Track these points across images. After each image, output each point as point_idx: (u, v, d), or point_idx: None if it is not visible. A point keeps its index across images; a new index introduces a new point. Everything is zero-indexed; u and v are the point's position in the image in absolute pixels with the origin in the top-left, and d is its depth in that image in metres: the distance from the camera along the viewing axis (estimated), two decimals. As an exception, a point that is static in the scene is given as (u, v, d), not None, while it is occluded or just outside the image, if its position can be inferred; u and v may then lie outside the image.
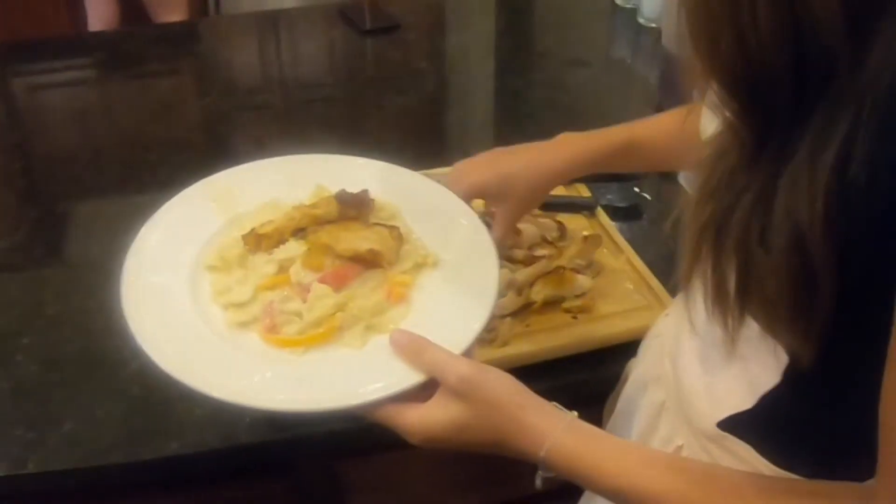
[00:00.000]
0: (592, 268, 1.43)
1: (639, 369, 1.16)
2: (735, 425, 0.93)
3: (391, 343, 1.01)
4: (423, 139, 1.96)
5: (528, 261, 1.39)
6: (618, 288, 1.42)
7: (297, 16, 2.64)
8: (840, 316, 0.74)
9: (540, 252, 1.43)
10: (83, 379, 1.32)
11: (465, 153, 1.77)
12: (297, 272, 1.12)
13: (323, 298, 1.07)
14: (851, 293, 0.73)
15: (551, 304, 1.36)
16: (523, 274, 1.36)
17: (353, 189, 1.20)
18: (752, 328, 0.81)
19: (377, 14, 2.39)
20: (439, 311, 1.08)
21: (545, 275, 1.36)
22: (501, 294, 1.33)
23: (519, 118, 2.03)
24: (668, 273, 1.42)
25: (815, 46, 0.68)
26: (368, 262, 1.12)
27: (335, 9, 2.47)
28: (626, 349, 1.26)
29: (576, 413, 0.94)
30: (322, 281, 1.10)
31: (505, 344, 1.29)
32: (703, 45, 0.75)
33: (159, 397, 1.25)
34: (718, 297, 0.81)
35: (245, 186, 1.22)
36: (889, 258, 0.69)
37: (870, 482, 0.77)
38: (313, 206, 1.19)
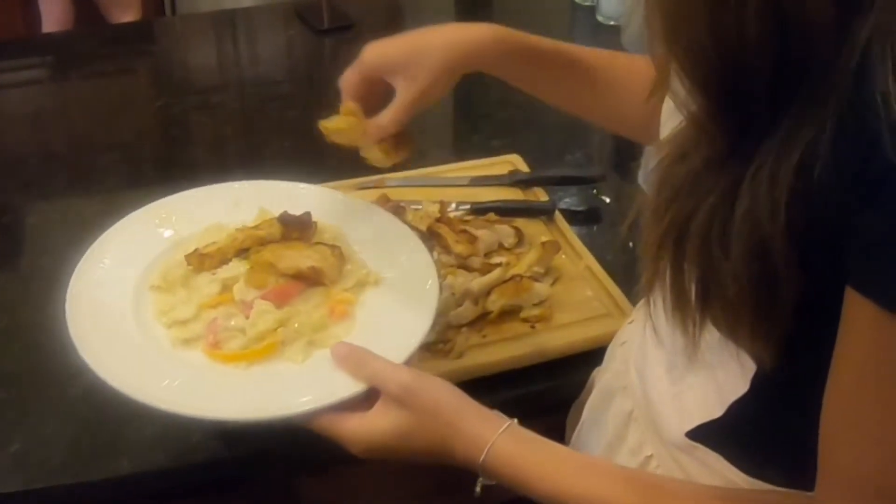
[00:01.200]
0: (550, 275, 1.41)
1: (605, 378, 1.15)
2: (704, 435, 0.92)
3: (332, 354, 1.02)
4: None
5: (485, 269, 1.37)
6: (577, 295, 1.39)
7: (252, 15, 2.60)
8: (803, 320, 0.74)
9: (497, 259, 1.41)
10: (31, 397, 1.28)
11: (422, 154, 1.76)
12: (240, 290, 1.13)
13: (265, 314, 1.09)
14: (813, 298, 0.72)
15: (508, 313, 1.34)
16: (479, 283, 1.33)
17: (296, 212, 1.22)
18: (715, 334, 0.81)
19: (333, 13, 2.36)
20: (381, 326, 1.10)
21: (502, 283, 1.34)
22: (458, 303, 1.31)
23: (475, 118, 2.01)
24: (629, 278, 1.40)
25: (800, 47, 0.67)
26: (311, 279, 1.14)
27: (291, 8, 2.45)
28: (586, 358, 1.26)
29: (515, 420, 0.94)
30: (264, 298, 1.11)
31: (461, 355, 1.27)
32: (680, 46, 0.73)
33: (109, 416, 1.22)
34: (679, 303, 0.80)
35: (189, 211, 1.24)
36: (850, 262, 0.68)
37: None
38: (256, 227, 1.21)
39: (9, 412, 1.26)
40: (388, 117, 1.15)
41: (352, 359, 1.00)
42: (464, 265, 1.39)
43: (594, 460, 1.01)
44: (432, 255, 1.19)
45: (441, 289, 1.32)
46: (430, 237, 1.41)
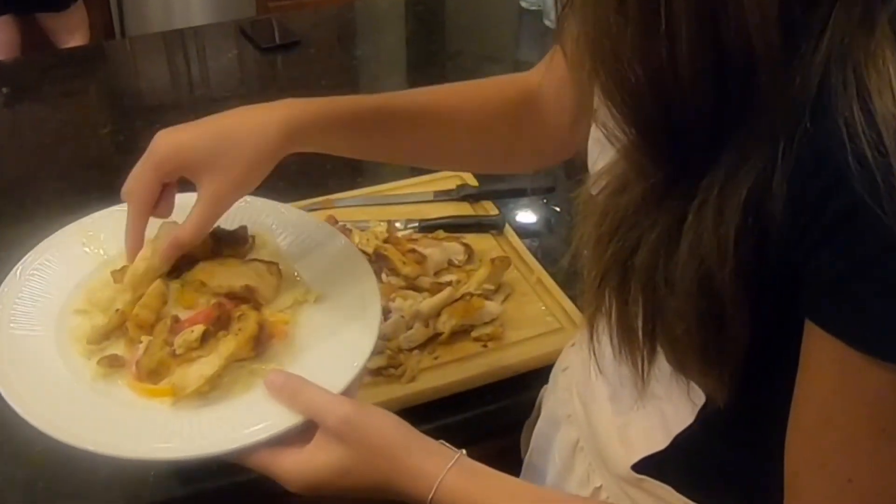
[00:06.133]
0: (502, 291, 1.40)
1: (550, 404, 1.14)
2: (650, 467, 0.91)
3: (266, 385, 0.95)
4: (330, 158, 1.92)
5: (434, 289, 1.36)
6: (529, 311, 1.38)
7: (201, 34, 2.60)
8: (753, 357, 0.72)
9: (447, 278, 1.40)
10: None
11: (371, 172, 1.74)
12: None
13: (194, 342, 1.01)
14: (764, 335, 0.70)
15: (460, 333, 1.32)
16: (429, 304, 1.32)
17: (232, 226, 1.15)
18: (663, 366, 0.79)
19: (281, 30, 2.37)
20: (320, 349, 1.04)
21: (452, 303, 1.32)
22: (408, 326, 1.30)
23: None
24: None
25: (741, 78, 0.63)
26: (244, 299, 1.07)
27: (238, 26, 2.44)
28: (541, 374, 1.24)
29: (464, 451, 0.90)
30: (195, 320, 1.03)
31: (413, 379, 1.25)
32: (608, 76, 0.69)
33: (61, 458, 1.19)
34: (626, 338, 0.78)
35: (117, 227, 1.14)
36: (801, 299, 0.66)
37: None
38: None
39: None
40: (192, 226, 1.02)
41: (286, 389, 0.93)
42: (413, 286, 1.37)
43: (547, 493, 0.98)
44: (377, 273, 1.13)
45: (387, 309, 1.31)
46: (377, 260, 1.39)
